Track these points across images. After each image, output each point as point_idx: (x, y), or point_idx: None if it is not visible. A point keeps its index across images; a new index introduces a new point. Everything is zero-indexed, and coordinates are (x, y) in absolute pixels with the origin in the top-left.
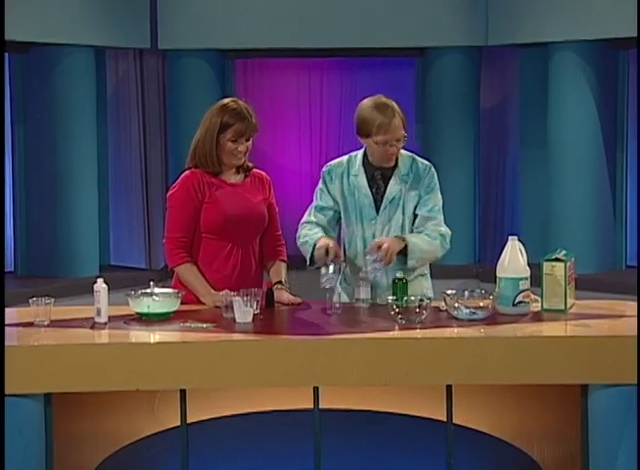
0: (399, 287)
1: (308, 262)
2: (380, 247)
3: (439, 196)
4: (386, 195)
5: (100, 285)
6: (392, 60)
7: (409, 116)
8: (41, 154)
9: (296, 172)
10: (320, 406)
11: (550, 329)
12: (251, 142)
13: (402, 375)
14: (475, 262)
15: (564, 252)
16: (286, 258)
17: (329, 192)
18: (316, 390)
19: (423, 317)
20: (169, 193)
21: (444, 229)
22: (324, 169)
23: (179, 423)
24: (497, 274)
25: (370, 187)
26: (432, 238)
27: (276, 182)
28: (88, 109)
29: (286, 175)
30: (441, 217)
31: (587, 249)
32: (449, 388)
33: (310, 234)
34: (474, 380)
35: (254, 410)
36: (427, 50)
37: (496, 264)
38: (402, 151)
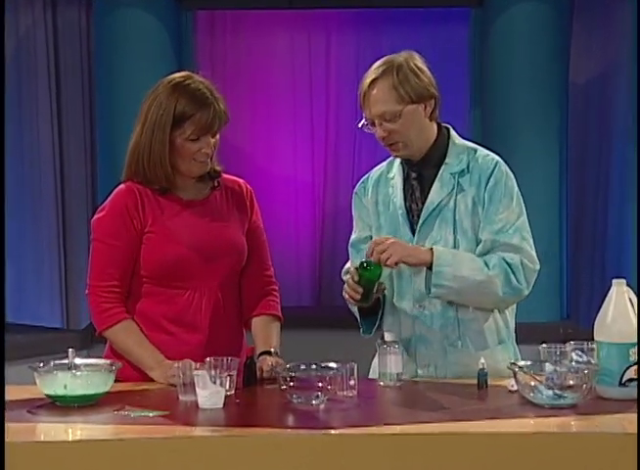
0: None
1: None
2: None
3: (516, 208)
4: (425, 204)
5: None
6: (437, 12)
7: (460, 91)
8: None
9: (289, 181)
10: None
11: None
12: (218, 138)
13: None
14: (561, 319)
15: None
16: (279, 313)
17: (364, 213)
18: None
19: (325, 397)
20: (95, 218)
21: (517, 258)
22: (357, 185)
23: None
24: (595, 337)
25: (404, 193)
26: (485, 264)
27: (259, 195)
28: None
29: (274, 185)
30: (518, 242)
31: None
32: None
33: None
34: None
35: None
36: None
37: (594, 322)
38: (458, 139)
